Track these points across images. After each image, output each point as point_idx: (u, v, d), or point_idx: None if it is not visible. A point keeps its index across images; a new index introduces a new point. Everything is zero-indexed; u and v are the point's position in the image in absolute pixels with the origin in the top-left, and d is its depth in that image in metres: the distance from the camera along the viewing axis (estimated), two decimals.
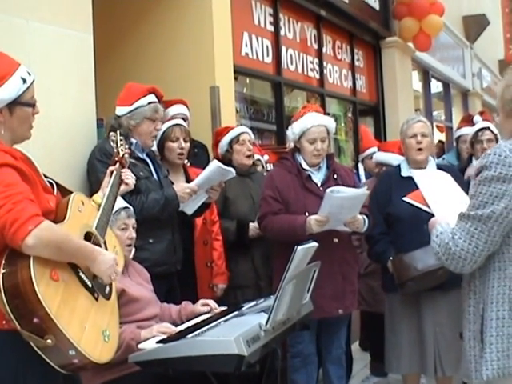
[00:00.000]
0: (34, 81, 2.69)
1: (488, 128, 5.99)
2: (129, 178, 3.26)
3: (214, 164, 4.27)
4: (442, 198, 3.11)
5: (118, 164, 3.21)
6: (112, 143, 3.32)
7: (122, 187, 3.23)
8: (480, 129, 6.04)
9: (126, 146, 3.34)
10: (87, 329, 2.47)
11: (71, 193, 2.79)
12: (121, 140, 3.32)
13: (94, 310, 2.59)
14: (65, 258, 2.50)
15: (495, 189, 2.49)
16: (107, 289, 2.75)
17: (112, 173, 3.18)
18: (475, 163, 5.72)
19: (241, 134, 5.03)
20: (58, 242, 2.44)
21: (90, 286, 2.61)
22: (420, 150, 4.56)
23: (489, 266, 2.59)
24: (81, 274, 2.58)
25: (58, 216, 2.62)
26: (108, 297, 2.74)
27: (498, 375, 2.53)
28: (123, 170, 3.21)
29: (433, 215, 2.93)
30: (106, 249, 2.86)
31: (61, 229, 2.53)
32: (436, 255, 2.69)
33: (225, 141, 5.01)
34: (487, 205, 2.50)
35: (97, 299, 2.63)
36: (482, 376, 2.56)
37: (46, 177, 2.75)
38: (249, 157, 5.01)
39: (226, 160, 4.84)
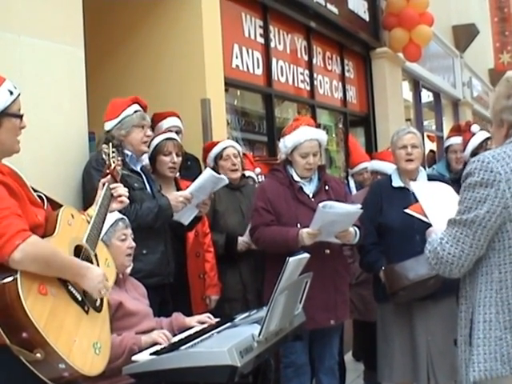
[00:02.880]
0: (19, 94, 2.69)
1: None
2: (121, 193, 3.18)
3: (208, 172, 4.31)
4: (440, 208, 3.15)
5: (109, 176, 3.21)
6: (104, 155, 3.30)
7: (117, 205, 3.18)
8: (488, 137, 6.05)
9: (119, 159, 3.33)
10: (77, 342, 2.47)
11: (61, 206, 2.79)
12: (113, 152, 3.30)
13: (84, 322, 2.59)
14: (52, 273, 2.50)
15: (478, 194, 2.56)
16: (98, 301, 2.75)
17: (104, 185, 3.16)
18: None
19: (224, 149, 4.99)
20: (45, 256, 2.45)
21: (80, 299, 2.61)
22: (410, 160, 4.57)
23: (477, 270, 2.65)
24: (70, 287, 2.58)
25: (47, 230, 2.62)
26: (99, 309, 2.74)
27: (486, 377, 2.56)
28: (114, 185, 3.17)
29: (430, 225, 2.98)
30: (98, 262, 2.86)
31: (48, 244, 2.53)
32: (427, 260, 2.76)
33: (210, 157, 5.03)
34: (471, 210, 2.57)
35: (87, 312, 2.63)
36: (469, 377, 2.59)
37: (35, 190, 2.75)
38: (234, 171, 4.96)
39: None
